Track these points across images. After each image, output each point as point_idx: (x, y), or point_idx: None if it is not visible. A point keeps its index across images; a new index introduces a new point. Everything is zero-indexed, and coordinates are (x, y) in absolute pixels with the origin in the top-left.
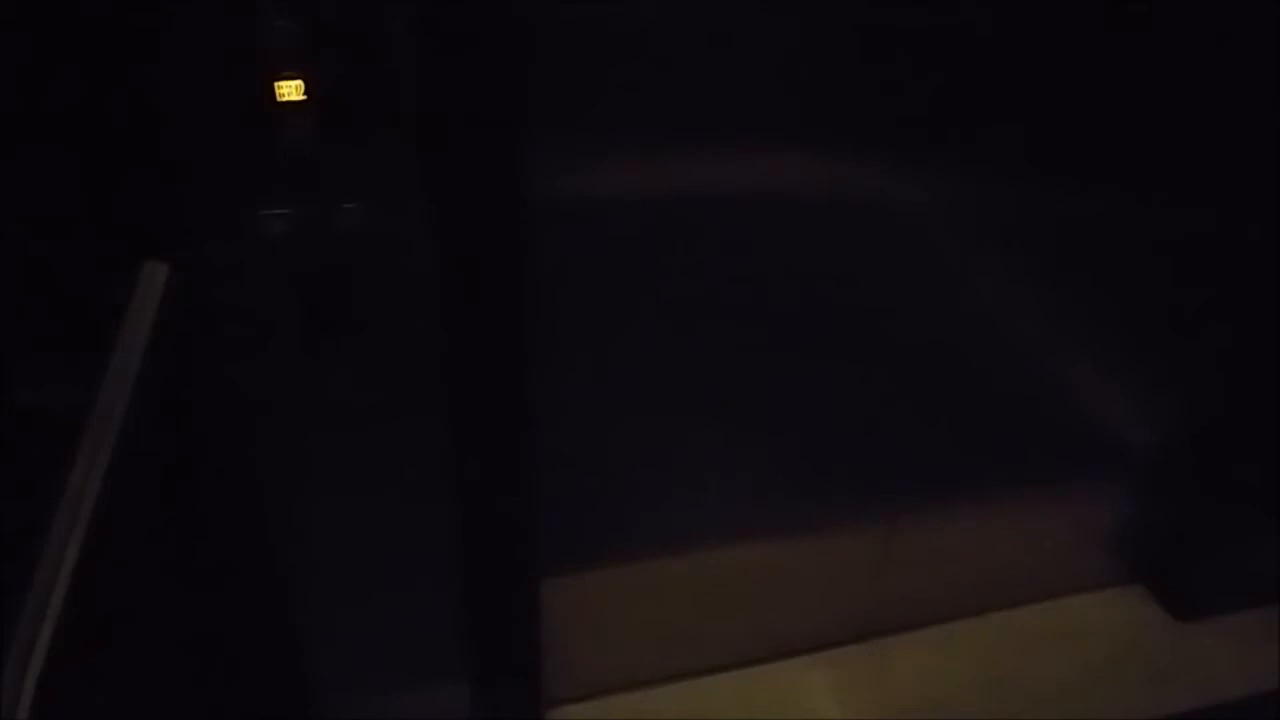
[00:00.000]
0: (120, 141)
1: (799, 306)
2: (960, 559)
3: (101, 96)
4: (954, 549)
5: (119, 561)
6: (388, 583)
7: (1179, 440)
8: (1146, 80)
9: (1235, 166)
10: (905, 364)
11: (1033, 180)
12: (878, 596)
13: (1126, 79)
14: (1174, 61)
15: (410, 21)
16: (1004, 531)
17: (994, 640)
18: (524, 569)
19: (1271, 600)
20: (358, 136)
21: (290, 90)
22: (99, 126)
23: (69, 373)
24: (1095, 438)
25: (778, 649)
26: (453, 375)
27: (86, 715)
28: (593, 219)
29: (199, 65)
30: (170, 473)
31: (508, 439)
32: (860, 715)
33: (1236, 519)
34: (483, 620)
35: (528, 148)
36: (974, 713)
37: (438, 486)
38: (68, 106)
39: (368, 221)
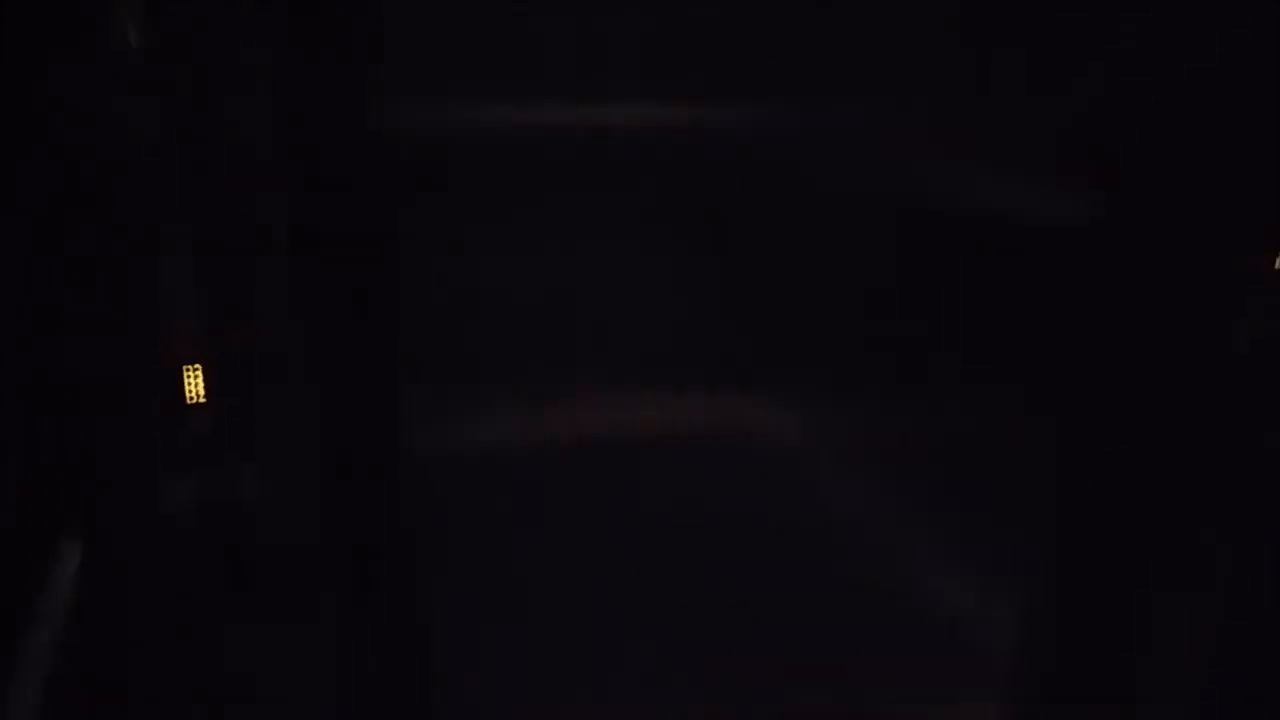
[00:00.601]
0: (36, 433)
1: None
2: None
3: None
4: None
5: None
6: None
7: (1035, 644)
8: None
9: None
10: (766, 583)
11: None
12: None
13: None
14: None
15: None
16: None
17: None
18: None
19: None
20: (257, 425)
21: (192, 379)
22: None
23: None
24: (955, 649)
25: None
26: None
27: None
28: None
29: (108, 359)
30: None
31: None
32: None
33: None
34: None
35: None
36: None
37: None
38: None
39: (272, 503)
